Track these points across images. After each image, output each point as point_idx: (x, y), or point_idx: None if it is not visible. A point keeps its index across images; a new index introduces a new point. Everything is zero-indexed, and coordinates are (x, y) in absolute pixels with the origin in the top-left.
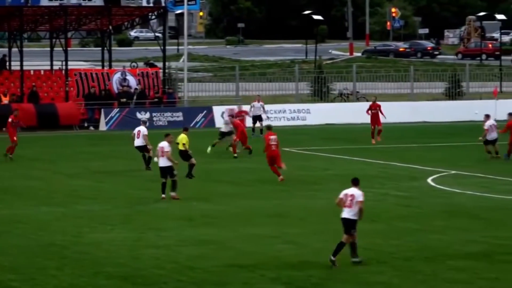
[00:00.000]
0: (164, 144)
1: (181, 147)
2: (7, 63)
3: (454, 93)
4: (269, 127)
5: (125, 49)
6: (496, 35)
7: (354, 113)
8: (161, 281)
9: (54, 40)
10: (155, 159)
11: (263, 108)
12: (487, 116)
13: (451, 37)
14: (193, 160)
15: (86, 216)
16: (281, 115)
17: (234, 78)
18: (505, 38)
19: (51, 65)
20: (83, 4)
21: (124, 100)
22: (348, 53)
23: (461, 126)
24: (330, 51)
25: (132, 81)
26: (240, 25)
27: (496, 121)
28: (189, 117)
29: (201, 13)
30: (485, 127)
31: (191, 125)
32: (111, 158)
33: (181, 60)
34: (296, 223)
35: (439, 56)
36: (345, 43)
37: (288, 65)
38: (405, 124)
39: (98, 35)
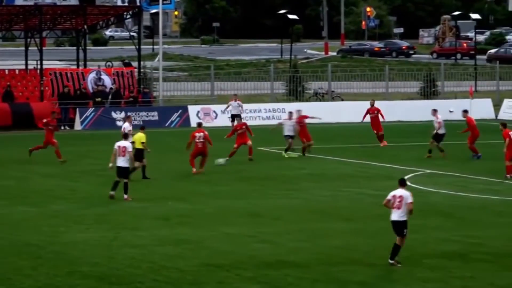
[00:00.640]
0: (127, 144)
1: (138, 145)
2: None
3: (429, 92)
4: (199, 124)
5: (100, 49)
6: (471, 34)
7: (330, 112)
8: (136, 280)
9: (29, 39)
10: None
11: (241, 107)
12: (435, 111)
13: (426, 36)
14: (144, 161)
15: (62, 216)
16: (256, 114)
17: (209, 77)
18: (480, 38)
19: (26, 64)
20: (58, 3)
21: (99, 99)
22: (323, 53)
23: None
24: (305, 50)
25: (107, 80)
26: (215, 24)
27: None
28: (164, 116)
29: (176, 13)
30: (438, 121)
31: (166, 124)
32: (86, 157)
33: (156, 59)
34: (272, 222)
35: (414, 56)
36: (320, 42)
37: (263, 65)
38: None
39: (73, 34)
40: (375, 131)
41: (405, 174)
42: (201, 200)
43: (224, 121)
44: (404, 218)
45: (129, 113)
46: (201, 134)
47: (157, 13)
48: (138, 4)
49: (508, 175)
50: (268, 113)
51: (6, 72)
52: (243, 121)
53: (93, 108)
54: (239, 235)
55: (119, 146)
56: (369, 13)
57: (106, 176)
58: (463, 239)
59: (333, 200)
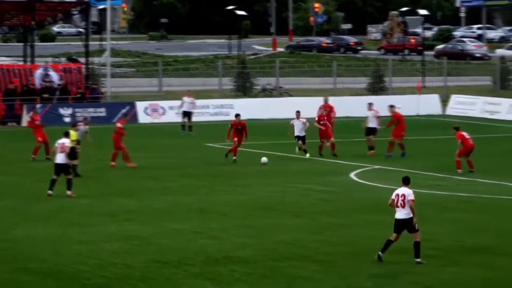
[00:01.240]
0: (65, 141)
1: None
2: None
3: (377, 88)
4: (125, 114)
5: (47, 45)
6: (419, 30)
7: (278, 108)
8: (84, 277)
9: None
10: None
11: (194, 104)
12: (371, 104)
13: (374, 32)
14: (76, 161)
15: (9, 212)
16: (204, 110)
17: (157, 73)
18: (428, 33)
19: None
20: None
21: (47, 95)
22: (271, 48)
23: (384, 121)
24: (253, 46)
25: (54, 76)
26: (163, 20)
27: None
28: (112, 112)
29: (125, 8)
30: (378, 115)
31: (114, 120)
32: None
33: (104, 55)
34: (220, 218)
35: (362, 52)
36: (268, 38)
37: (212, 61)
38: None
39: (20, 30)
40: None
41: (353, 169)
42: (149, 196)
43: (172, 117)
44: (410, 216)
45: (86, 116)
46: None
47: (105, 9)
48: (86, 0)
49: (458, 170)
50: (216, 109)
51: None
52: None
53: (40, 105)
54: (187, 231)
55: (58, 143)
56: (317, 9)
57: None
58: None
59: (281, 196)
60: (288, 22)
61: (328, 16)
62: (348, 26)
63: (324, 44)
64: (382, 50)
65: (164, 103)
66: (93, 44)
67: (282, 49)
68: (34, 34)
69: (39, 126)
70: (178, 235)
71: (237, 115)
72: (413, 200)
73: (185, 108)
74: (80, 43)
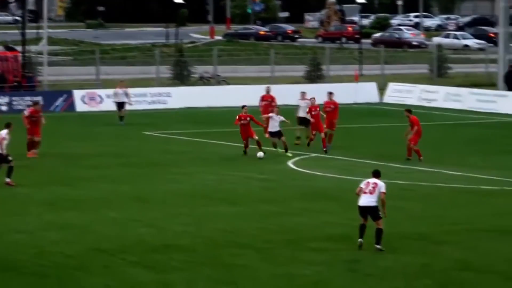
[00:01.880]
0: (2, 132)
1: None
2: None
3: (314, 76)
4: (35, 103)
5: None
6: (356, 18)
7: (215, 96)
8: (21, 266)
9: None
10: None
11: (127, 94)
12: (303, 94)
13: (311, 20)
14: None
15: None
16: (142, 98)
17: (95, 61)
18: (365, 22)
19: None
20: None
21: None
22: (209, 37)
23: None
24: (191, 34)
25: None
26: (101, 8)
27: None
28: (49, 101)
29: None
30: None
31: (51, 109)
32: None
33: (41, 43)
34: (157, 206)
35: (299, 40)
36: (206, 26)
37: (149, 49)
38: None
39: None
40: (264, 120)
41: (291, 158)
42: (87, 185)
43: (109, 105)
44: (375, 204)
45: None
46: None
47: None
48: None
49: (421, 158)
50: (153, 97)
51: None
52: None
53: None
54: (125, 220)
55: None
56: None
57: None
58: (349, 222)
59: (219, 184)
60: (225, 10)
61: (266, 4)
62: (285, 14)
63: (262, 32)
64: (319, 38)
65: (102, 92)
66: (30, 33)
67: (219, 38)
68: None
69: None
70: (116, 224)
71: (244, 107)
72: (384, 193)
73: (118, 99)
74: (16, 31)
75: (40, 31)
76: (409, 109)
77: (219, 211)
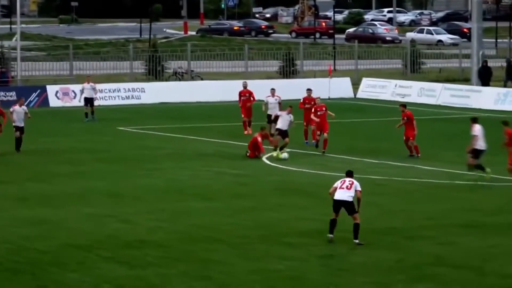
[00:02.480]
0: None
1: None
2: None
3: (288, 71)
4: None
5: None
6: (330, 13)
7: (189, 91)
8: None
9: None
10: None
11: (94, 89)
12: (273, 90)
13: (285, 16)
14: None
15: None
16: (115, 94)
17: (68, 57)
18: (338, 17)
19: None
20: None
21: None
22: (182, 32)
23: (296, 104)
24: (164, 29)
25: None
26: (74, 3)
27: (330, 99)
28: (23, 96)
29: None
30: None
31: (25, 104)
32: None
33: (14, 38)
34: (133, 202)
35: (273, 35)
36: (180, 21)
37: (123, 44)
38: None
39: None
40: (243, 116)
41: (265, 153)
42: (61, 180)
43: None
44: (351, 200)
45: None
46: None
47: None
48: None
49: (418, 155)
50: (127, 92)
51: None
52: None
53: None
54: (99, 215)
55: None
56: None
57: None
58: (323, 217)
59: (193, 179)
60: (199, 5)
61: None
62: (259, 9)
63: (236, 28)
64: (293, 33)
65: (75, 87)
66: (3, 28)
67: (193, 33)
68: None
69: None
70: (91, 219)
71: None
72: (360, 191)
73: (86, 95)
74: None
75: (13, 26)
76: (404, 104)
77: (193, 207)
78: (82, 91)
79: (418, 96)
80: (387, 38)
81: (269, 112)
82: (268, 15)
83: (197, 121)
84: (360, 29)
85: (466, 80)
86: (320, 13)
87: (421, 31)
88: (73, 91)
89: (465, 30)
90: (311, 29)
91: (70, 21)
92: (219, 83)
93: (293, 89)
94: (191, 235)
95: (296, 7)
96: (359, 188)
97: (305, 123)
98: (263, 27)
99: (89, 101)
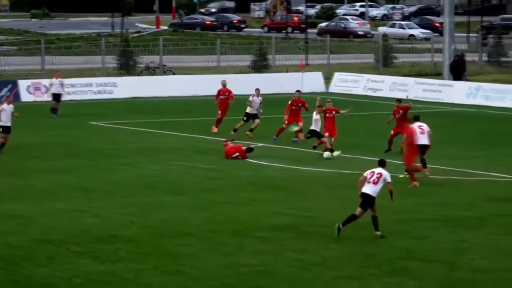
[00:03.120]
0: None
1: None
2: None
3: (260, 66)
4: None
5: None
6: (302, 8)
7: (161, 86)
8: None
9: None
10: None
11: (62, 85)
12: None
13: (257, 10)
14: None
15: None
16: (87, 88)
17: (40, 51)
18: (311, 11)
19: None
20: None
21: None
22: (154, 27)
23: (268, 99)
24: (136, 24)
25: None
26: None
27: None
28: None
29: None
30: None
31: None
32: None
33: None
34: (104, 197)
35: (245, 29)
36: (152, 16)
37: (95, 39)
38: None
39: None
40: (219, 113)
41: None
42: (32, 175)
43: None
44: (375, 196)
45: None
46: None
47: None
48: None
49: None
50: (99, 87)
51: None
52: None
53: None
54: (70, 210)
55: None
56: None
57: None
58: (296, 212)
59: (164, 173)
60: (171, 0)
61: None
62: (231, 4)
63: (208, 22)
64: (265, 28)
65: (47, 82)
66: None
67: (165, 27)
68: None
69: None
70: (62, 214)
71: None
72: (390, 182)
73: (54, 90)
74: None
75: None
76: (399, 99)
77: (165, 201)
78: (49, 86)
79: (390, 91)
80: (359, 33)
81: (248, 111)
82: (213, 10)
83: (169, 116)
84: (333, 23)
85: (437, 75)
86: (292, 8)
87: (393, 26)
88: (44, 85)
89: (437, 24)
90: (283, 24)
91: (42, 16)
92: (191, 77)
93: (265, 83)
94: (163, 229)
95: (268, 1)
96: (389, 180)
97: (286, 123)
98: (235, 21)
99: (57, 96)
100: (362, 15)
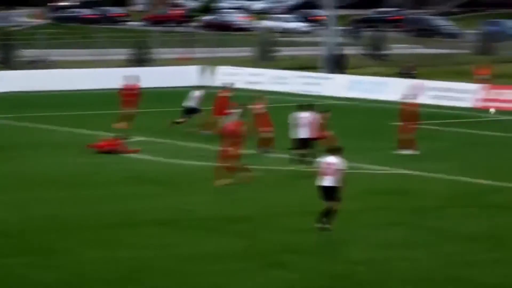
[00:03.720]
0: None
1: None
2: None
3: (141, 59)
4: None
5: None
6: (184, 1)
7: (43, 80)
8: None
9: None
10: None
11: None
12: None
13: (139, 3)
14: None
15: None
16: None
17: None
18: (193, 4)
19: None
20: None
21: None
22: (33, 20)
23: (149, 92)
24: (15, 18)
25: None
26: None
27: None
28: None
29: None
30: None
31: None
32: None
33: None
34: None
35: (127, 23)
36: (26, 9)
37: None
38: (86, 91)
39: None
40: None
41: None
42: None
43: None
44: (336, 184)
45: None
46: None
47: None
48: None
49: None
50: None
51: None
52: None
53: None
54: None
55: None
56: None
57: None
58: (175, 205)
59: (42, 168)
60: None
61: None
62: None
63: (88, 16)
64: (146, 21)
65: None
66: None
67: (44, 21)
68: None
69: None
70: None
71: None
72: (343, 170)
73: None
74: None
75: None
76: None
77: (40, 197)
78: None
79: (270, 84)
80: (242, 26)
81: (187, 104)
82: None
83: (50, 110)
84: (215, 17)
85: (317, 68)
86: (174, 1)
87: (274, 19)
88: None
89: (317, 17)
90: (165, 17)
91: None
92: (73, 71)
93: (147, 77)
94: (37, 225)
95: None
96: (341, 167)
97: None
98: (116, 14)
99: None
100: (244, 8)
